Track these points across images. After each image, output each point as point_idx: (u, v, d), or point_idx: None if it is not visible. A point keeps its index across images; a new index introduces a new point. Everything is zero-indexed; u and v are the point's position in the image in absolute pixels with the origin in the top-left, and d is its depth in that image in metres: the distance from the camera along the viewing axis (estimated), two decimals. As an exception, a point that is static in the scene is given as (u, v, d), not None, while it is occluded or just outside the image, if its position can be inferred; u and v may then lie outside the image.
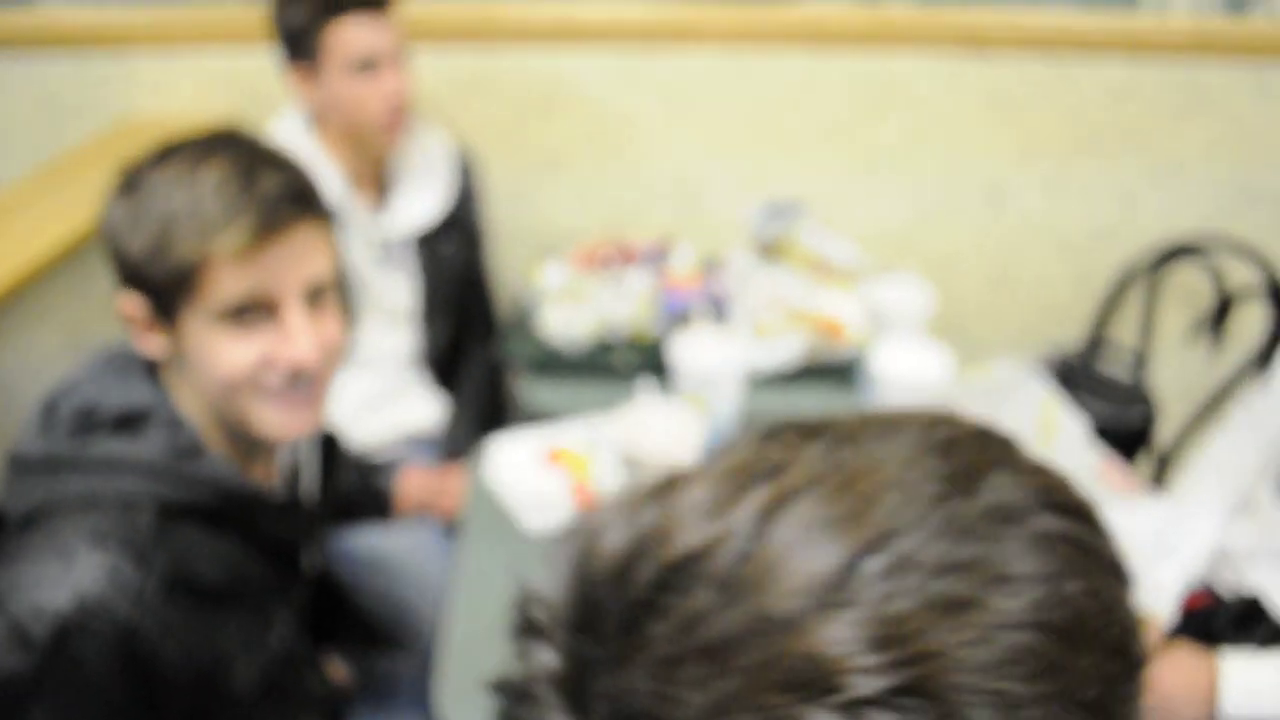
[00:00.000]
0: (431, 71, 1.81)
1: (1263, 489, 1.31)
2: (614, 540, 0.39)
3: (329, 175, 1.61)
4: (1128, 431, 1.89)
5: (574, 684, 0.39)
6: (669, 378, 1.56)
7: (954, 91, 1.93)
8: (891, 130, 1.96)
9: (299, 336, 0.89)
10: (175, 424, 0.91)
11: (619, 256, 1.81)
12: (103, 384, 0.92)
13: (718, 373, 1.39)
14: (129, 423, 0.90)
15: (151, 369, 0.94)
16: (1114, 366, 2.05)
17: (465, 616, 1.19)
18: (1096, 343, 2.09)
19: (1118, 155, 1.99)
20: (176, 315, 0.88)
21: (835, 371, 1.63)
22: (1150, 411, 1.90)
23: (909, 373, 1.38)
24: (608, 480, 1.42)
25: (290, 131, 1.67)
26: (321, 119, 1.65)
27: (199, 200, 0.85)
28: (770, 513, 0.37)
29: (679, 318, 1.65)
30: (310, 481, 1.13)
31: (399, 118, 1.62)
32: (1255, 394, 1.54)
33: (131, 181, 0.87)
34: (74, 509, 0.85)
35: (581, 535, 0.40)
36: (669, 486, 0.40)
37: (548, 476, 1.43)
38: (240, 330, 0.88)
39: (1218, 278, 1.91)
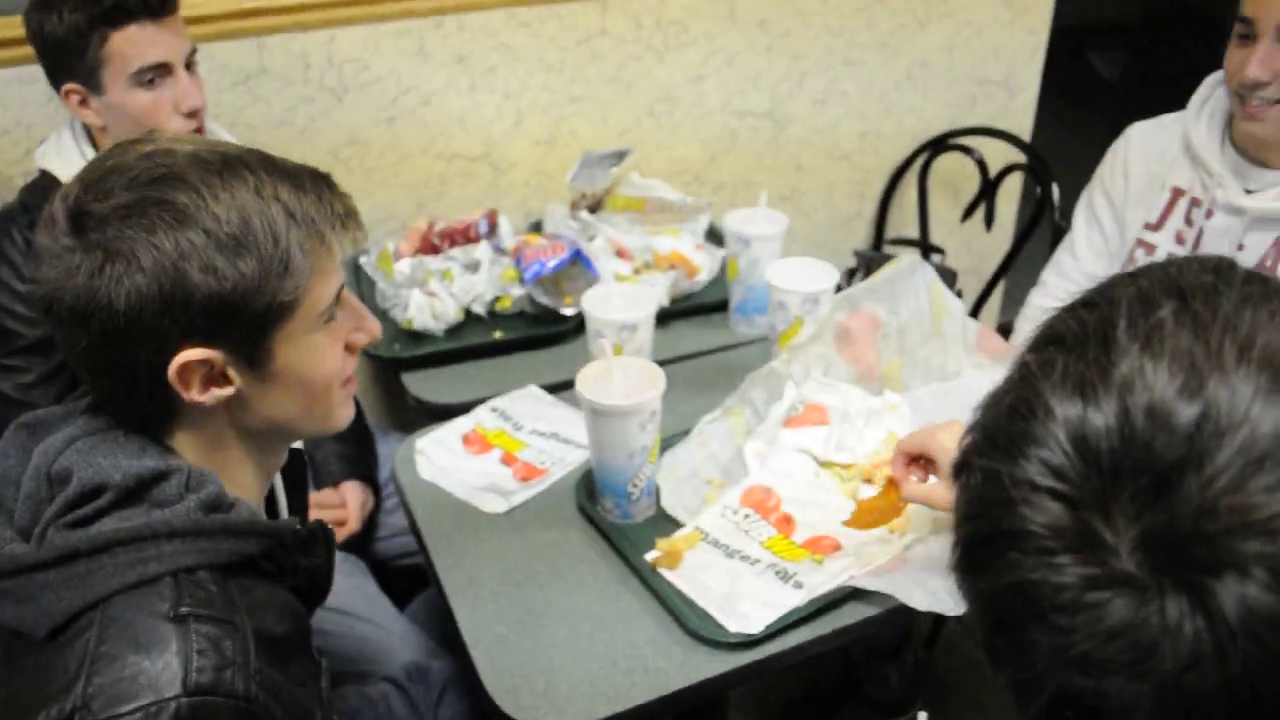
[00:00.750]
0: (203, 72, 1.66)
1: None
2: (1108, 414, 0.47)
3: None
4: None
5: (1083, 530, 0.48)
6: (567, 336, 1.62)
7: (728, 22, 2.02)
8: (675, 69, 2.02)
9: (367, 316, 0.93)
10: (199, 477, 0.83)
11: (456, 234, 1.77)
12: (96, 461, 0.81)
13: (639, 320, 1.41)
14: (145, 489, 0.81)
15: (147, 432, 0.85)
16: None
17: (477, 615, 1.16)
18: (881, 238, 2.31)
19: (874, 63, 2.17)
20: (269, 341, 0.82)
21: (710, 307, 1.70)
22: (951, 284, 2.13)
23: (808, 282, 1.46)
24: (537, 447, 1.41)
25: (70, 157, 1.50)
26: (101, 142, 1.50)
27: (294, 207, 0.81)
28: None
29: (548, 280, 1.65)
30: (282, 504, 1.08)
31: (199, 126, 1.50)
32: (1061, 255, 1.77)
33: (181, 218, 0.77)
34: (122, 597, 0.76)
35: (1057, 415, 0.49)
36: (1105, 371, 0.48)
37: (483, 460, 1.40)
38: (332, 326, 0.88)
39: (979, 162, 2.16)
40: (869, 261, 2.16)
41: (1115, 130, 1.69)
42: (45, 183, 1.50)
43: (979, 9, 2.20)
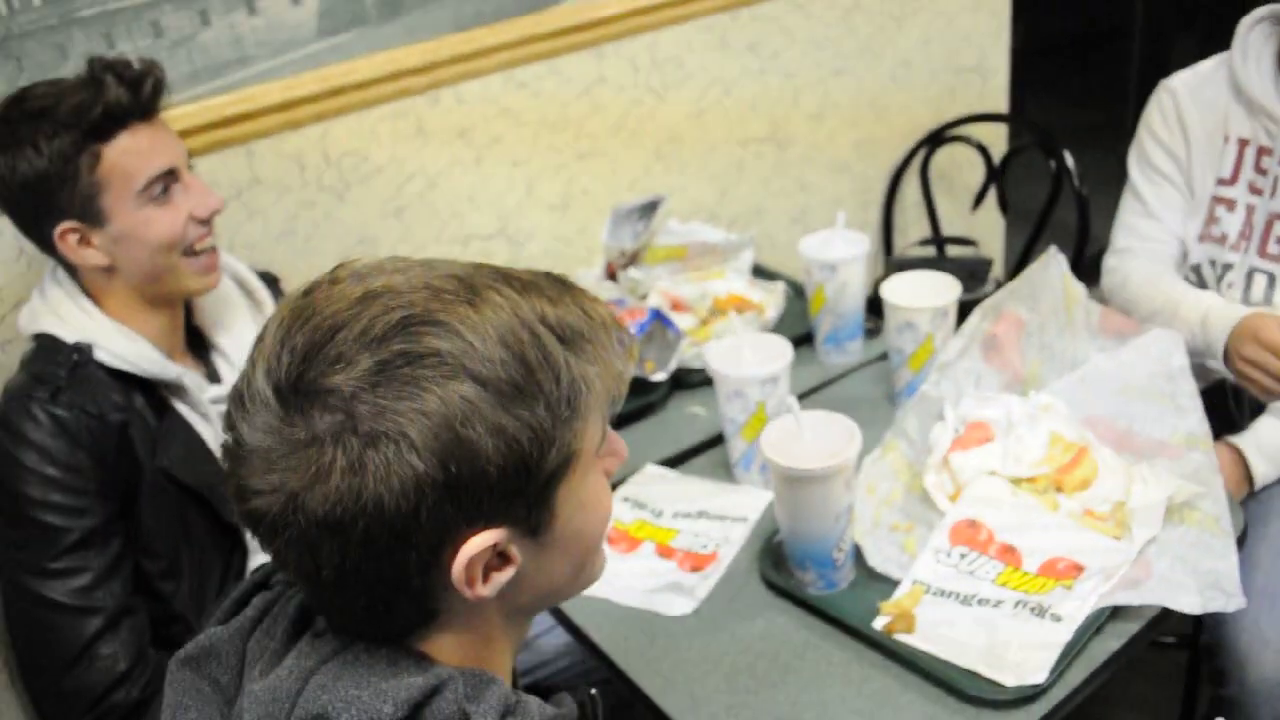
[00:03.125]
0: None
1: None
2: None
3: (149, 355, 1.27)
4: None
5: None
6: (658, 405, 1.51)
7: (721, 51, 1.94)
8: (677, 107, 1.93)
9: (612, 433, 0.79)
10: (475, 681, 0.66)
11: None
12: (351, 694, 0.63)
13: (779, 372, 1.30)
14: (418, 713, 0.63)
15: (392, 639, 0.68)
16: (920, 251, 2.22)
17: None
18: (890, 243, 2.26)
19: (860, 70, 2.12)
20: (553, 501, 0.66)
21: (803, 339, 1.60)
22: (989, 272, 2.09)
23: (932, 296, 1.38)
24: (690, 531, 1.28)
25: (70, 315, 1.28)
26: (102, 288, 1.27)
27: (560, 326, 0.65)
28: None
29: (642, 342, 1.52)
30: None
31: (210, 232, 1.31)
32: (1134, 220, 1.72)
33: (449, 371, 0.61)
34: None
35: None
36: None
37: (639, 559, 1.26)
38: (600, 460, 0.72)
39: (981, 149, 2.13)
40: (899, 266, 2.10)
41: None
42: (52, 347, 1.27)
43: (946, 1, 2.18)
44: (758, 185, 2.07)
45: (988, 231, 2.40)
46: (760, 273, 1.80)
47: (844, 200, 2.19)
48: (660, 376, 1.52)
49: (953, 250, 2.19)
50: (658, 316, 1.54)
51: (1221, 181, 1.58)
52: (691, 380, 1.56)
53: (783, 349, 1.33)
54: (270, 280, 1.47)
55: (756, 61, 1.98)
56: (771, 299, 1.69)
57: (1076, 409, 1.35)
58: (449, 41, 1.68)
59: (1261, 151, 1.54)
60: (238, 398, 0.63)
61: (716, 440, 1.43)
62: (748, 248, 1.77)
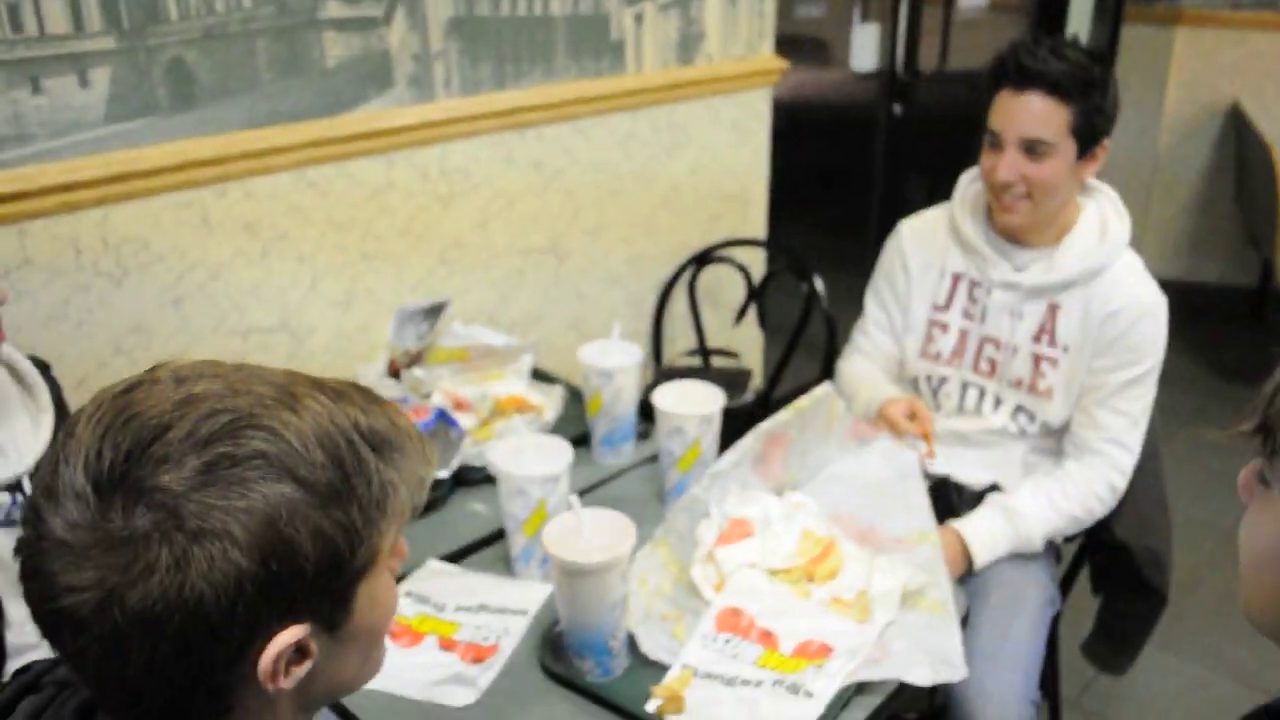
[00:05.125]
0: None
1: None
2: None
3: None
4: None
5: None
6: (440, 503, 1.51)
7: (507, 165, 2.05)
8: (462, 215, 2.01)
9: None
10: None
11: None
12: None
13: (559, 471, 1.38)
14: None
15: None
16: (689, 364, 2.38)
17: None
18: (660, 353, 2.40)
19: (634, 191, 2.28)
20: (354, 597, 0.72)
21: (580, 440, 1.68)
22: (749, 381, 2.26)
23: (699, 404, 1.50)
24: (471, 624, 1.32)
25: None
26: None
27: (370, 431, 0.72)
28: None
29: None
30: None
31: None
32: (856, 336, 1.95)
33: (272, 473, 0.65)
34: None
35: None
36: None
37: (421, 652, 1.29)
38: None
39: (743, 270, 2.33)
40: (667, 374, 2.24)
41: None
42: None
43: (713, 137, 2.40)
44: (537, 293, 2.17)
45: (748, 344, 2.60)
46: (539, 376, 1.88)
47: (618, 310, 2.32)
48: (443, 474, 1.57)
49: (717, 361, 2.37)
50: (442, 415, 1.59)
51: (937, 308, 1.82)
52: (473, 478, 1.61)
53: (562, 450, 1.41)
54: (42, 366, 1.41)
55: (540, 178, 2.10)
56: (550, 401, 1.77)
57: (826, 507, 1.50)
58: (241, 137, 1.71)
59: (973, 284, 1.79)
60: (45, 490, 0.63)
61: (497, 536, 1.48)
62: (528, 352, 1.85)
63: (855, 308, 1.93)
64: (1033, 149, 1.62)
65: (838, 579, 1.36)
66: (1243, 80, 4.29)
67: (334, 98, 1.82)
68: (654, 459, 1.65)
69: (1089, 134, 1.63)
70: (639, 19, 2.22)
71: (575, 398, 1.80)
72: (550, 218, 2.15)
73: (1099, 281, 1.71)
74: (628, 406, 1.66)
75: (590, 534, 1.22)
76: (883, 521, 1.49)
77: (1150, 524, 1.81)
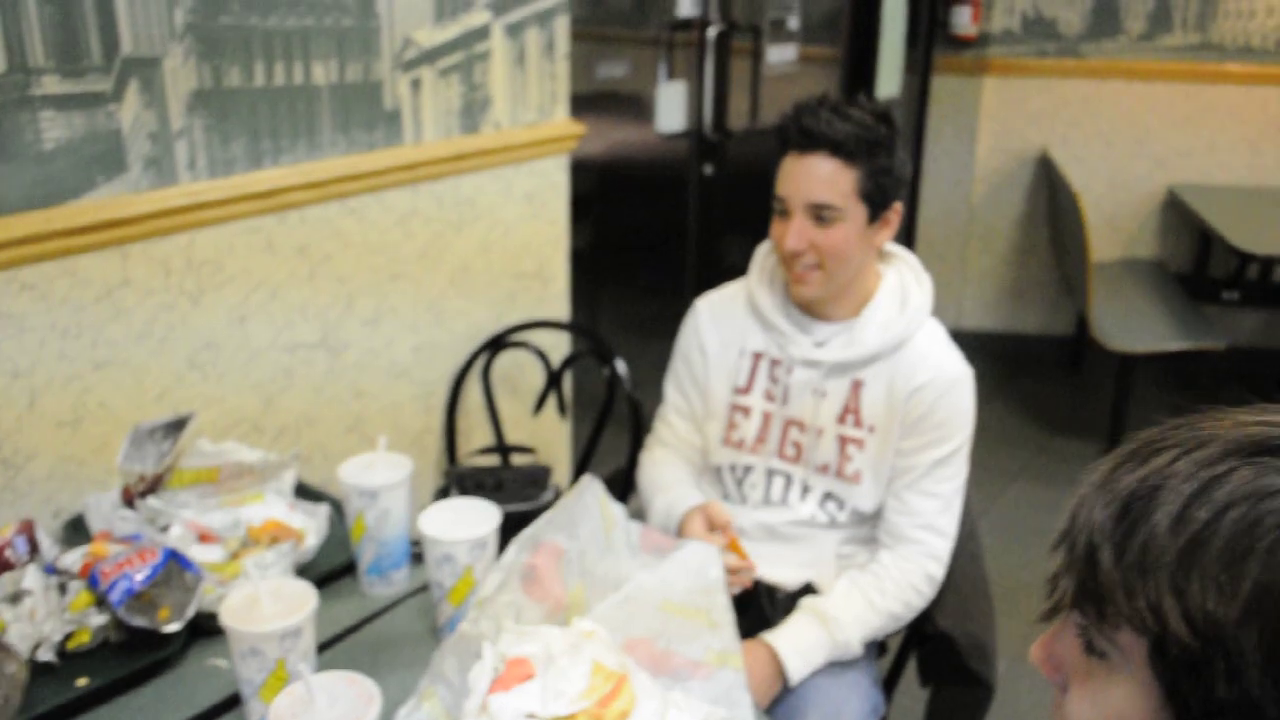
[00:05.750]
0: None
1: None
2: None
3: None
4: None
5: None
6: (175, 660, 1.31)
7: (267, 254, 1.84)
8: (215, 312, 1.79)
9: None
10: None
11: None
12: None
13: (301, 623, 1.17)
14: None
15: None
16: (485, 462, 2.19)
17: None
18: (454, 449, 2.21)
19: (417, 274, 2.10)
20: None
21: (332, 574, 1.48)
22: (549, 479, 2.09)
23: (470, 527, 1.33)
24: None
25: None
26: None
27: None
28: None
29: (136, 594, 1.32)
30: None
31: None
32: (657, 425, 1.82)
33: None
34: None
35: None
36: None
37: None
38: None
39: (540, 354, 2.17)
40: (460, 477, 2.05)
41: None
42: None
43: (505, 210, 2.24)
44: (308, 394, 1.96)
45: (552, 433, 2.44)
46: (307, 493, 1.67)
47: (404, 407, 2.13)
48: (175, 626, 1.33)
49: (516, 459, 2.19)
50: (172, 557, 1.36)
51: (738, 390, 1.71)
52: (214, 626, 1.38)
53: (305, 596, 1.21)
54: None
55: (306, 265, 1.90)
56: (314, 524, 1.56)
57: (618, 632, 1.33)
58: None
59: (774, 363, 1.68)
60: None
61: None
62: (289, 468, 1.64)
63: None
64: (820, 215, 1.55)
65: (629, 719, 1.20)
66: (1050, 127, 4.42)
67: (53, 186, 1.59)
68: (427, 588, 1.46)
69: (878, 197, 1.56)
70: (416, 85, 2.06)
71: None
72: (320, 308, 1.94)
73: (902, 354, 1.63)
74: (397, 529, 1.47)
75: (326, 704, 1.02)
76: (680, 645, 1.33)
77: (971, 610, 1.73)
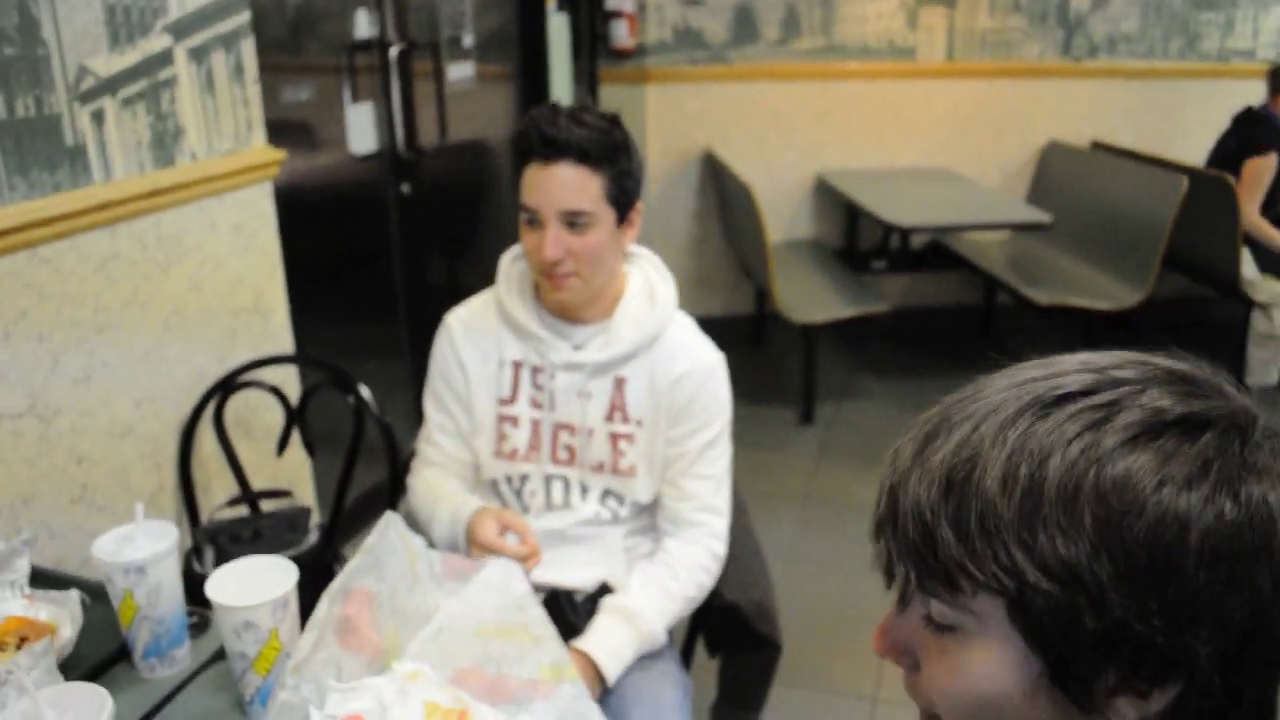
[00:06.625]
0: None
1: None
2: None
3: None
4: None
5: None
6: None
7: None
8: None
9: None
10: None
11: None
12: None
13: None
14: None
15: None
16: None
17: None
18: (194, 507, 2.04)
19: (127, 322, 1.90)
20: None
21: (103, 664, 1.32)
22: (309, 520, 1.97)
23: (267, 588, 1.22)
24: None
25: None
26: None
27: None
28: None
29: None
30: None
31: None
32: (422, 446, 1.77)
33: None
34: None
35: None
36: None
37: None
38: None
39: (276, 391, 2.04)
40: (212, 534, 1.90)
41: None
42: None
43: (213, 245, 2.08)
44: (21, 469, 1.72)
45: (300, 473, 2.30)
46: (44, 580, 1.47)
47: (132, 467, 1.93)
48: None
49: (267, 504, 2.05)
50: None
51: (503, 401, 1.70)
52: (-29, 753, 1.19)
53: (94, 700, 1.07)
54: None
55: (-1, 325, 1.68)
56: (64, 613, 1.38)
57: (443, 666, 1.29)
58: None
59: (535, 370, 1.68)
60: None
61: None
62: (21, 555, 1.43)
63: (400, 396, 1.75)
64: (573, 221, 1.57)
65: (481, 757, 1.16)
66: (710, 127, 4.72)
67: None
68: (218, 658, 1.34)
69: (623, 199, 1.61)
70: (98, 118, 1.86)
71: (100, 598, 1.41)
72: (22, 372, 1.71)
73: (657, 348, 1.69)
74: (172, 603, 1.33)
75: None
76: (510, 667, 1.31)
77: (751, 577, 1.83)
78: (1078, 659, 0.62)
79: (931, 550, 0.64)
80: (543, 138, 1.55)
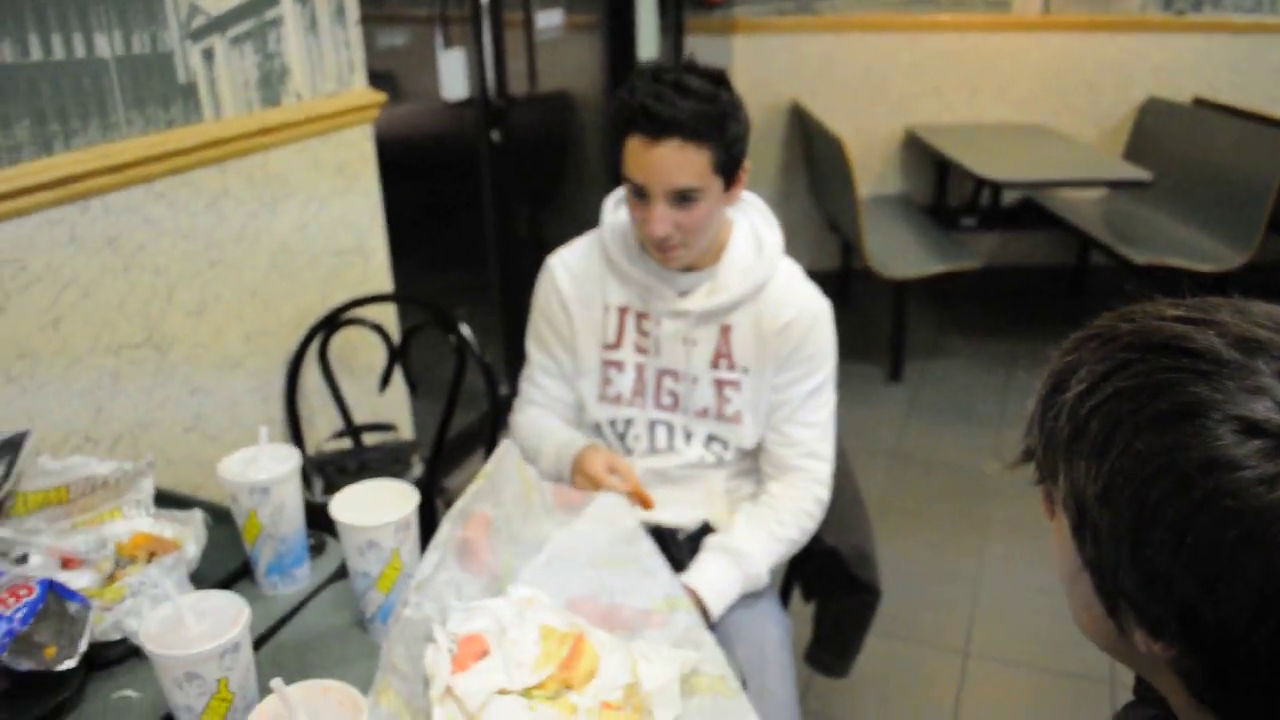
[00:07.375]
0: None
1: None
2: None
3: None
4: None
5: None
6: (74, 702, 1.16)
7: (72, 249, 1.64)
8: (23, 317, 1.58)
9: None
10: None
11: None
12: None
13: (235, 639, 1.07)
14: None
15: None
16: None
17: None
18: (301, 440, 2.08)
19: (237, 258, 1.94)
20: None
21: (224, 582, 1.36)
22: (413, 454, 2.00)
23: (388, 510, 1.24)
24: None
25: None
26: None
27: None
28: None
29: (17, 636, 1.15)
30: None
31: None
32: (524, 385, 1.78)
33: None
34: None
35: None
36: None
37: None
38: None
39: (379, 330, 2.07)
40: (320, 464, 1.94)
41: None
42: None
43: (317, 184, 2.11)
44: (140, 397, 1.77)
45: (401, 409, 2.34)
46: (166, 501, 1.51)
47: (241, 400, 1.97)
48: (69, 664, 1.18)
49: (370, 438, 2.09)
50: (51, 588, 1.20)
51: (608, 346, 1.69)
52: (110, 656, 1.24)
53: (233, 607, 1.10)
54: None
55: (118, 257, 1.71)
56: (190, 532, 1.42)
57: (556, 594, 1.30)
58: None
59: (640, 316, 1.67)
60: None
61: (158, 730, 1.14)
62: (146, 475, 1.48)
63: (490, 340, 1.76)
64: (683, 197, 1.51)
65: (599, 678, 1.17)
66: (798, 80, 4.64)
67: None
68: (338, 577, 1.36)
69: (731, 165, 1.54)
70: (208, 55, 1.89)
71: (220, 519, 1.45)
72: (140, 303, 1.76)
73: (764, 295, 1.66)
74: (294, 523, 1.36)
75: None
76: (624, 597, 1.32)
77: (851, 523, 1.81)
78: (1097, 573, 0.68)
79: (1035, 438, 0.74)
80: (647, 114, 1.47)
